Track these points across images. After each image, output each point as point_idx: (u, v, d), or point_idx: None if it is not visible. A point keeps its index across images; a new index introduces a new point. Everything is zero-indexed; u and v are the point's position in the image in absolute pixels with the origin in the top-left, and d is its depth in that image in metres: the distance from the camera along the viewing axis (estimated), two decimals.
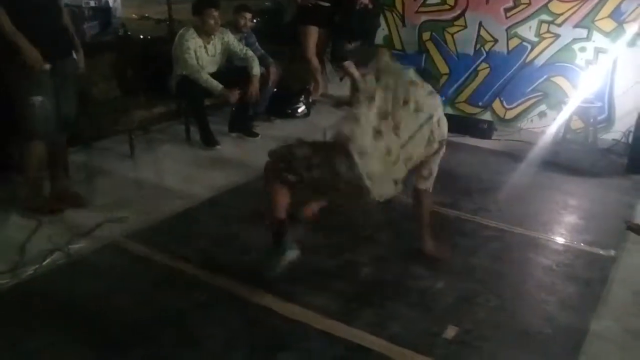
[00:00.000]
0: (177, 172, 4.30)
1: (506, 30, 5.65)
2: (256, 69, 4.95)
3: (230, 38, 4.97)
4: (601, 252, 3.36)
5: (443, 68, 6.10)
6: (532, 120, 5.78)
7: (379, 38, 6.38)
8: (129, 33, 5.88)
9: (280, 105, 5.79)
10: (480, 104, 5.98)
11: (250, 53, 5.02)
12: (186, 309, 2.63)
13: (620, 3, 5.08)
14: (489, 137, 5.50)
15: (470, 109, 6.04)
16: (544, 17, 5.45)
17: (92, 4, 5.96)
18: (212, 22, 4.73)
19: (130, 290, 2.78)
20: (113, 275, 2.90)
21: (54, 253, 3.02)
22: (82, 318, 2.55)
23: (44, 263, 2.93)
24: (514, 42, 5.66)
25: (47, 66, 3.19)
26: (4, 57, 3.14)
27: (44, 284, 2.79)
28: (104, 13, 5.77)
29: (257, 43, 5.42)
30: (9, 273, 2.82)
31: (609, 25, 5.18)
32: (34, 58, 3.11)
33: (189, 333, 2.48)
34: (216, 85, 4.73)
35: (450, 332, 2.55)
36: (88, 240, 3.18)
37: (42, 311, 2.58)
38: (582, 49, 5.36)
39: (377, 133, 2.68)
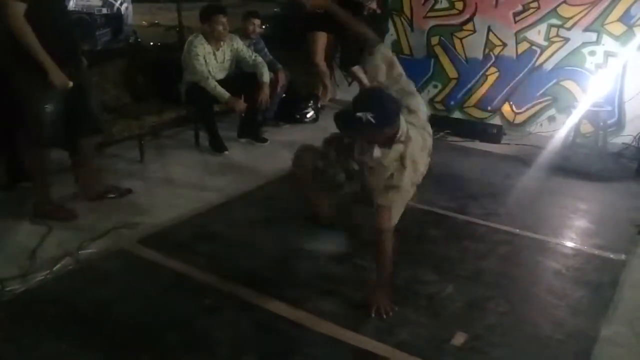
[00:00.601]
0: (187, 178, 4.32)
1: (515, 34, 5.64)
2: (266, 76, 4.96)
3: (240, 44, 4.99)
4: (611, 256, 3.33)
5: (452, 73, 6.09)
6: (541, 125, 5.75)
7: (387, 43, 6.39)
8: (139, 40, 5.92)
9: (288, 111, 5.81)
10: (489, 108, 5.96)
11: (259, 59, 5.03)
12: (195, 314, 2.64)
13: (630, 6, 5.05)
14: (498, 142, 5.48)
15: (479, 114, 6.03)
16: (553, 21, 5.42)
17: (105, 11, 5.99)
18: (220, 28, 4.74)
19: (140, 296, 2.79)
20: (123, 281, 2.91)
21: (64, 259, 3.03)
22: (92, 323, 2.56)
23: (54, 269, 2.94)
24: (523, 46, 5.64)
25: (71, 84, 3.23)
26: (16, 64, 3.16)
27: (54, 289, 2.80)
28: (116, 20, 5.79)
29: (265, 49, 5.44)
30: (20, 279, 2.83)
31: (618, 28, 5.15)
32: (60, 79, 3.15)
33: (198, 338, 2.49)
34: (223, 93, 4.74)
35: (459, 338, 2.53)
36: (98, 246, 3.20)
37: (51, 317, 2.59)
38: (592, 53, 5.33)
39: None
